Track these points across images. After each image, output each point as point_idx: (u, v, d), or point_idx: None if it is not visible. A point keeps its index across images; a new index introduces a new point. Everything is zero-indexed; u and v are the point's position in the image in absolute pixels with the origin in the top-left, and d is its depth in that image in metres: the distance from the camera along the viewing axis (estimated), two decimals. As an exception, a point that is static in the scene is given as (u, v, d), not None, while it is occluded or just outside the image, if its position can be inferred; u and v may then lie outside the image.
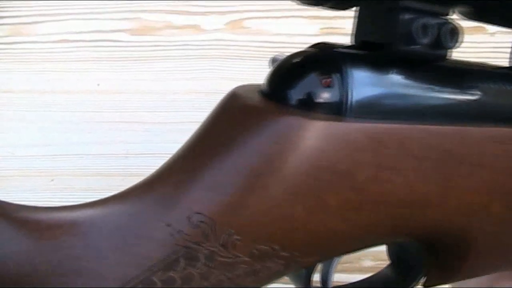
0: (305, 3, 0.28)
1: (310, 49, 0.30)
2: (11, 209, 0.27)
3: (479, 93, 0.30)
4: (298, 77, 0.28)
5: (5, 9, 0.59)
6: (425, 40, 0.27)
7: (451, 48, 0.28)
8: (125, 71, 0.56)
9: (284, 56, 0.30)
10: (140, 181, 0.28)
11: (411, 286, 0.35)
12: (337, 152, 0.26)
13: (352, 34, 0.31)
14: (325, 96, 0.27)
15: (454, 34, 0.28)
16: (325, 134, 0.26)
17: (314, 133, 0.26)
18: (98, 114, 0.54)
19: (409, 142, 0.27)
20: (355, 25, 0.31)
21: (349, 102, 0.27)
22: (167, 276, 0.25)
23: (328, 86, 0.27)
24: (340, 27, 0.57)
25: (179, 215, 0.26)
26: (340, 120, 0.27)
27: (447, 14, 0.29)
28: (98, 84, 0.56)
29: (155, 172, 0.28)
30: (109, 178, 0.49)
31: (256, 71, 0.56)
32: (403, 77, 0.28)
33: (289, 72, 0.28)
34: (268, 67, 0.30)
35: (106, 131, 0.52)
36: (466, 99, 0.30)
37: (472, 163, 0.29)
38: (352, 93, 0.27)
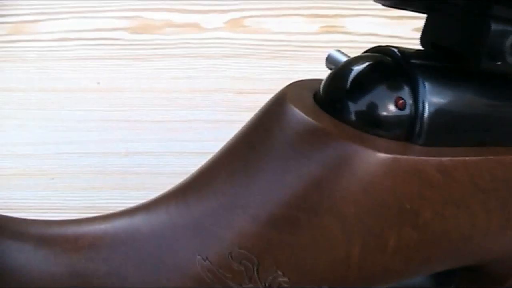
0: (387, 4, 0.25)
1: (377, 56, 0.25)
2: (21, 226, 0.24)
3: None
4: (363, 92, 0.24)
5: (6, 7, 0.59)
6: None
7: None
8: (125, 70, 0.56)
9: (342, 56, 0.26)
10: (170, 192, 0.24)
11: None
12: (405, 189, 0.23)
13: (422, 34, 0.27)
14: (395, 119, 0.23)
15: None
16: (394, 170, 0.23)
17: (382, 169, 0.23)
18: (98, 112, 0.54)
19: (480, 175, 0.25)
20: (427, 25, 0.27)
21: (421, 127, 0.24)
22: None
23: (401, 107, 0.23)
24: (340, 26, 0.57)
25: (219, 250, 0.22)
26: (410, 151, 0.23)
27: None
28: (98, 83, 0.56)
29: (189, 182, 0.25)
30: (109, 176, 0.49)
31: (256, 69, 0.56)
32: (484, 98, 0.25)
33: (352, 83, 0.24)
34: (325, 66, 0.27)
35: (106, 129, 0.52)
36: None
37: None
38: (425, 116, 0.24)
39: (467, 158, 0.24)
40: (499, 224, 0.26)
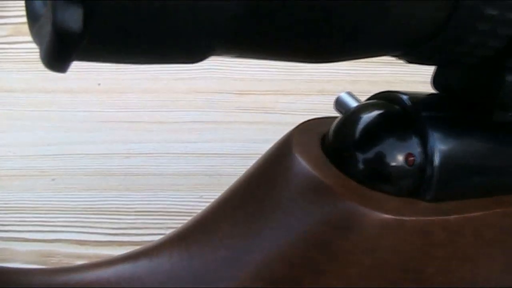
0: (404, 60, 0.23)
1: (385, 104, 0.24)
2: (26, 277, 0.23)
3: None
4: (370, 144, 0.23)
5: (6, 8, 0.59)
6: None
7: None
8: (125, 71, 0.56)
9: (351, 100, 0.25)
10: (173, 238, 0.24)
11: None
12: (410, 249, 0.23)
13: (434, 76, 0.26)
14: (404, 175, 0.23)
15: None
16: (399, 232, 0.22)
17: (386, 231, 0.22)
18: (99, 113, 0.54)
19: (486, 229, 0.24)
20: (440, 68, 0.26)
21: (430, 182, 0.23)
22: None
23: (410, 164, 0.23)
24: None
25: None
26: (416, 211, 0.23)
27: None
28: (99, 84, 0.56)
29: (191, 228, 0.24)
30: (110, 177, 0.49)
31: (257, 70, 0.56)
32: (495, 148, 0.24)
33: (360, 134, 0.23)
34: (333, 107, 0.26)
35: (107, 130, 0.52)
36: None
37: None
38: (435, 171, 0.23)
39: (473, 215, 0.24)
40: (499, 269, 0.25)
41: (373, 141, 0.23)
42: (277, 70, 0.56)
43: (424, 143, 0.23)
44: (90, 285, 0.23)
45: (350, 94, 0.26)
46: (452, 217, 0.23)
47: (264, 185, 0.24)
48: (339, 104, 0.26)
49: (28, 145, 0.52)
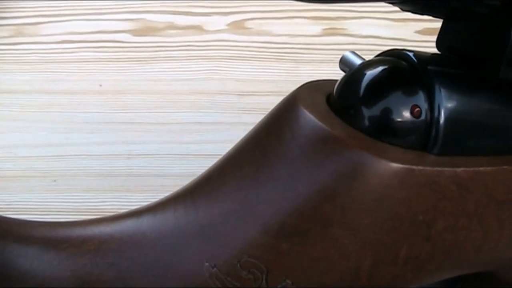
0: (406, 9, 0.24)
1: (392, 60, 0.24)
2: (26, 229, 0.23)
3: None
4: (377, 98, 0.23)
5: (8, 10, 0.59)
6: None
7: None
8: (127, 72, 0.56)
9: (356, 58, 0.25)
10: (178, 195, 0.24)
11: None
12: (419, 201, 0.22)
13: (438, 37, 0.26)
14: (410, 127, 0.23)
15: None
16: (408, 182, 0.22)
17: (395, 180, 0.22)
18: (101, 114, 0.54)
19: (495, 186, 0.24)
20: (444, 28, 0.26)
21: (437, 135, 0.23)
22: None
23: (416, 116, 0.23)
24: (342, 28, 0.57)
25: (228, 258, 0.22)
26: (425, 162, 0.23)
27: None
28: (101, 85, 0.56)
29: (197, 184, 0.24)
30: (111, 178, 0.49)
31: (258, 71, 0.56)
32: (502, 106, 0.24)
33: (367, 89, 0.24)
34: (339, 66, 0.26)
35: (108, 131, 0.52)
36: None
37: None
38: (441, 124, 0.23)
39: (481, 169, 0.23)
40: (510, 234, 0.25)
41: (380, 95, 0.23)
42: (278, 71, 0.56)
43: (431, 98, 0.23)
44: (92, 238, 0.22)
45: (354, 53, 0.26)
46: (460, 169, 0.23)
47: (271, 139, 0.23)
48: (344, 63, 0.26)
49: (30, 146, 0.52)
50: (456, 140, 0.24)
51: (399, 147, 0.23)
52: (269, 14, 0.58)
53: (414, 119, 0.23)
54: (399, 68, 0.24)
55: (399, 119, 0.23)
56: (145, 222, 0.23)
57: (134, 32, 0.58)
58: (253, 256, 0.22)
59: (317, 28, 0.57)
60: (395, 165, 0.22)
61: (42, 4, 0.58)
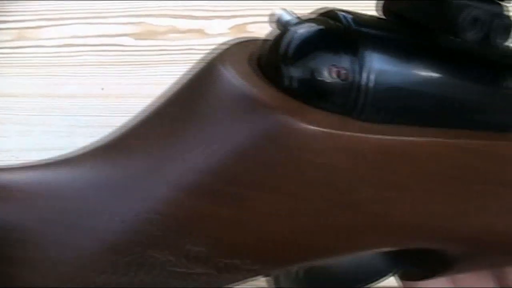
0: None
1: (325, 20, 0.23)
2: None
3: None
4: (304, 58, 0.22)
5: (10, 13, 0.59)
6: (471, 35, 0.22)
7: (498, 47, 0.23)
8: (129, 76, 0.56)
9: (287, 15, 0.24)
10: (97, 148, 0.23)
11: (389, 275, 0.31)
12: (340, 168, 0.21)
13: (384, 1, 0.25)
14: (336, 89, 0.22)
15: (506, 31, 0.23)
16: (328, 147, 0.21)
17: (314, 144, 0.21)
18: (102, 118, 0.54)
19: (426, 158, 0.23)
20: None
21: (365, 101, 0.22)
22: (114, 281, 0.21)
23: (342, 78, 0.22)
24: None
25: (137, 213, 0.21)
26: (349, 127, 0.21)
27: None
28: (102, 88, 0.56)
29: (117, 138, 0.23)
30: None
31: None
32: (438, 76, 0.23)
33: (295, 48, 0.22)
34: (269, 24, 0.25)
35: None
36: (504, 105, 0.25)
37: (501, 183, 0.25)
38: (370, 89, 0.22)
39: (412, 139, 0.22)
40: (445, 210, 0.24)
41: (306, 55, 0.22)
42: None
43: (362, 60, 0.22)
44: (9, 184, 0.22)
45: (286, 10, 0.24)
46: (388, 138, 0.22)
47: (191, 96, 0.23)
48: (274, 20, 0.24)
49: (31, 150, 0.52)
50: (386, 107, 0.22)
51: (321, 109, 0.22)
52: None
53: (339, 81, 0.22)
54: (330, 29, 0.23)
55: (324, 81, 0.22)
56: (63, 174, 0.22)
57: (136, 36, 0.57)
58: (162, 213, 0.21)
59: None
60: (313, 128, 0.21)
61: (44, 8, 0.58)
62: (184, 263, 0.21)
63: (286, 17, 0.24)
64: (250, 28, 0.57)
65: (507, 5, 0.23)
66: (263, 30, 0.24)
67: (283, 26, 0.24)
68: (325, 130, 0.21)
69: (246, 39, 0.25)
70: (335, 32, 0.23)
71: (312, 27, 0.23)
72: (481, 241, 0.26)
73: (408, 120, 0.23)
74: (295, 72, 0.22)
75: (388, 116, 0.22)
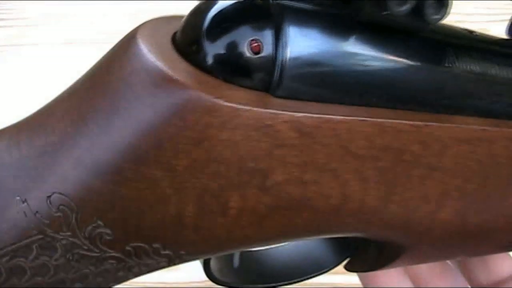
0: None
1: None
2: None
3: (454, 76, 0.23)
4: (219, 32, 0.21)
5: (9, 11, 0.59)
6: (402, 8, 0.20)
7: (433, 22, 0.21)
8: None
9: None
10: (5, 129, 0.22)
11: (337, 264, 0.31)
12: (247, 145, 0.20)
13: None
14: (250, 64, 0.21)
15: (440, 6, 0.21)
16: (233, 122, 0.20)
17: (218, 119, 0.20)
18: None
19: (352, 138, 0.21)
20: None
21: (281, 76, 0.21)
22: (14, 263, 0.20)
23: (255, 51, 0.21)
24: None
25: (39, 192, 0.20)
26: (260, 103, 0.20)
27: None
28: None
29: (26, 119, 0.22)
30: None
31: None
32: (363, 53, 0.22)
33: (210, 22, 0.21)
34: None
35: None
36: (436, 84, 0.23)
37: (428, 166, 0.23)
38: (286, 64, 0.21)
39: (332, 117, 0.21)
40: (378, 196, 0.23)
41: (222, 29, 0.21)
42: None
43: (278, 34, 0.21)
44: None
45: None
46: (301, 114, 0.20)
47: (101, 71, 0.21)
48: None
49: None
50: (305, 84, 0.21)
51: (237, 86, 0.21)
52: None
53: (253, 54, 0.21)
54: (248, 2, 0.21)
55: (238, 55, 0.20)
56: None
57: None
58: (64, 192, 0.20)
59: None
60: (217, 102, 0.19)
61: (44, 6, 0.58)
62: (89, 246, 0.21)
63: None
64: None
65: None
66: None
67: None
68: (228, 104, 0.20)
69: (171, 15, 0.24)
70: (256, 6, 0.21)
71: (230, 0, 0.21)
72: (421, 230, 0.25)
73: (329, 98, 0.22)
74: (209, 47, 0.21)
75: (309, 94, 0.21)
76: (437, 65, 0.23)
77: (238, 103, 0.20)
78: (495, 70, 0.24)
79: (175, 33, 0.22)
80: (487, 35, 0.26)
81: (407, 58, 0.22)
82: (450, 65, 0.23)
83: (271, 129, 0.20)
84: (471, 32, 0.25)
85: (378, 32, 0.22)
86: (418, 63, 0.23)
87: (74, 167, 0.20)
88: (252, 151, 0.20)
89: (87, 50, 0.57)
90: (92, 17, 0.58)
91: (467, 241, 0.26)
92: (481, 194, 0.25)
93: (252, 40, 0.21)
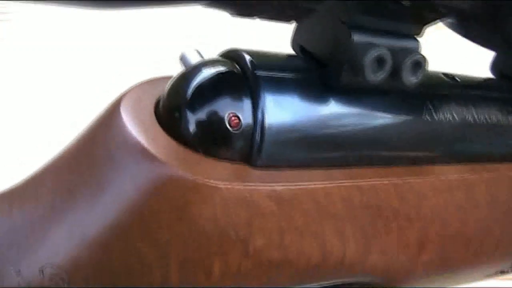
0: (235, 15, 0.21)
1: (225, 62, 0.22)
2: None
3: (432, 128, 0.24)
4: (199, 105, 0.21)
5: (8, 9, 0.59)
6: (378, 76, 0.21)
7: (410, 84, 0.22)
8: (133, 76, 0.56)
9: (193, 57, 0.23)
10: (9, 189, 0.23)
11: None
12: (228, 218, 0.21)
13: (292, 34, 0.24)
14: (229, 138, 0.21)
15: (417, 68, 0.22)
16: (214, 199, 0.20)
17: (199, 196, 0.20)
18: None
19: (330, 201, 0.22)
20: (297, 26, 0.24)
21: (260, 148, 0.21)
22: None
23: (234, 126, 0.21)
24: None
25: (32, 264, 0.21)
26: (240, 177, 0.21)
27: (419, 34, 0.23)
28: (107, 90, 0.56)
29: (18, 186, 0.23)
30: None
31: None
32: (337, 116, 0.22)
33: (190, 94, 0.21)
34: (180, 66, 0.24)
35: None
36: (414, 138, 0.24)
37: (407, 218, 0.24)
38: (265, 135, 0.21)
39: (312, 185, 0.22)
40: (358, 250, 0.23)
41: (201, 101, 0.21)
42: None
43: (255, 105, 0.21)
44: None
45: (197, 50, 0.24)
46: (281, 187, 0.21)
47: (85, 145, 0.22)
48: (182, 60, 0.24)
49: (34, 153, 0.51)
50: (283, 151, 0.22)
51: (217, 159, 0.21)
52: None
53: (232, 129, 0.21)
54: (227, 72, 0.22)
55: (216, 128, 0.21)
56: None
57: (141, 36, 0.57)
58: (55, 263, 0.21)
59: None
60: (198, 180, 0.20)
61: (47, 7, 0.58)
62: None
63: (190, 57, 0.23)
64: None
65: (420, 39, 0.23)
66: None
67: (185, 67, 0.23)
68: (214, 183, 0.20)
69: (158, 77, 0.24)
70: (234, 77, 0.22)
71: (213, 70, 0.22)
72: (403, 273, 0.25)
73: (311, 164, 0.22)
74: (191, 118, 0.21)
75: (287, 161, 0.22)
76: (415, 119, 0.24)
77: (218, 180, 0.20)
78: (474, 116, 0.25)
79: (159, 100, 0.22)
80: (470, 78, 0.26)
81: (383, 116, 0.23)
82: (428, 118, 0.24)
83: (250, 202, 0.21)
84: (452, 77, 0.26)
85: (355, 93, 0.22)
86: (395, 119, 0.23)
87: (65, 240, 0.21)
88: (233, 223, 0.21)
89: (91, 51, 0.57)
90: (93, 19, 0.58)
91: (452, 275, 0.26)
92: (462, 235, 0.25)
93: (231, 113, 0.21)
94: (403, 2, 0.21)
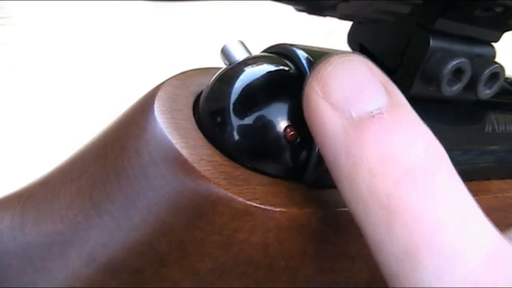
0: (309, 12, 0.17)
1: (277, 60, 0.19)
2: None
3: (493, 140, 0.21)
4: (247, 109, 0.18)
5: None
6: (454, 89, 0.18)
7: (484, 97, 0.19)
8: (135, 75, 0.57)
9: (238, 51, 0.20)
10: (10, 198, 0.20)
11: None
12: (282, 246, 0.18)
13: (349, 31, 0.21)
14: (284, 153, 0.18)
15: (494, 80, 0.19)
16: (265, 226, 0.17)
17: (248, 222, 0.17)
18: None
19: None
20: (355, 24, 0.21)
21: (316, 166, 0.18)
22: None
23: (291, 140, 0.18)
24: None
25: (50, 284, 0.18)
26: (299, 202, 0.18)
27: (497, 40, 0.20)
28: (110, 88, 0.56)
29: (31, 191, 0.20)
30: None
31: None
32: None
33: (238, 95, 0.18)
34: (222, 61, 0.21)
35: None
36: (475, 151, 0.22)
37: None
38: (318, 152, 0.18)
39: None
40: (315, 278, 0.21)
41: (250, 105, 0.18)
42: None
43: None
44: None
45: (241, 43, 0.20)
46: (340, 210, 0.18)
47: (114, 148, 0.19)
48: (225, 54, 0.20)
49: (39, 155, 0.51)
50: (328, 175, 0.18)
51: (266, 175, 0.18)
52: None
53: (287, 141, 0.18)
54: (282, 72, 0.19)
55: (270, 141, 0.18)
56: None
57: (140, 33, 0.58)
58: (75, 286, 0.18)
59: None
60: (250, 205, 0.17)
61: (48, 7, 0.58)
62: None
63: (234, 50, 0.20)
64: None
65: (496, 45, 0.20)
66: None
67: (228, 62, 0.20)
68: (268, 208, 0.17)
69: (197, 69, 0.21)
70: (289, 77, 0.19)
71: (262, 69, 0.19)
72: None
73: None
74: (237, 124, 0.18)
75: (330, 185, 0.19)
76: (479, 132, 0.21)
77: (272, 205, 0.17)
78: None
79: (198, 97, 0.19)
80: None
81: (449, 128, 0.21)
82: (491, 130, 0.22)
83: (306, 228, 0.18)
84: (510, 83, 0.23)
85: (420, 103, 0.19)
86: (460, 133, 0.21)
87: (86, 264, 0.18)
88: (284, 252, 0.18)
89: (94, 51, 0.58)
90: (95, 18, 0.58)
91: None
92: None
93: (288, 127, 0.18)
94: (496, 9, 0.18)
